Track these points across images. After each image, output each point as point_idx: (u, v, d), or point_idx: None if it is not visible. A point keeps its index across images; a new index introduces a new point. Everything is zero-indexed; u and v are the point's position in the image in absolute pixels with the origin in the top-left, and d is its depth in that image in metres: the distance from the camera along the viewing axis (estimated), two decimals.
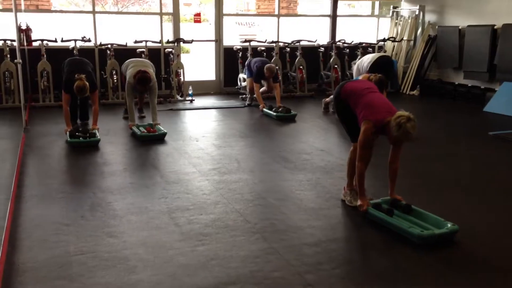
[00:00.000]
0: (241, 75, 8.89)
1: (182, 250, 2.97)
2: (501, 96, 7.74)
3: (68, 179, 4.43)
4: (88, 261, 2.82)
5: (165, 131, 5.78)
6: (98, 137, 5.42)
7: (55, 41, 7.63)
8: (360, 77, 6.30)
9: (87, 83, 5.40)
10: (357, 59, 8.28)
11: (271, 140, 5.91)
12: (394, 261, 2.94)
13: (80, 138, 5.34)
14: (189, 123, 6.86)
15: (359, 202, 3.48)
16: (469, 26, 8.63)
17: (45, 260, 2.83)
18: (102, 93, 7.93)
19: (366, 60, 7.68)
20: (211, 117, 7.22)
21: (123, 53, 7.92)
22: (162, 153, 5.17)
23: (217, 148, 5.42)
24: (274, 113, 6.96)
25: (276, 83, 7.56)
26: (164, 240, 3.12)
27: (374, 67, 7.44)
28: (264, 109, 7.25)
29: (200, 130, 6.29)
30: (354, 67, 8.05)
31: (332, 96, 6.73)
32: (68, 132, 5.47)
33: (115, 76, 7.90)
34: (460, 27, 8.84)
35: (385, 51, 9.66)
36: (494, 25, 8.16)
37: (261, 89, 7.69)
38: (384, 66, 7.63)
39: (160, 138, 5.67)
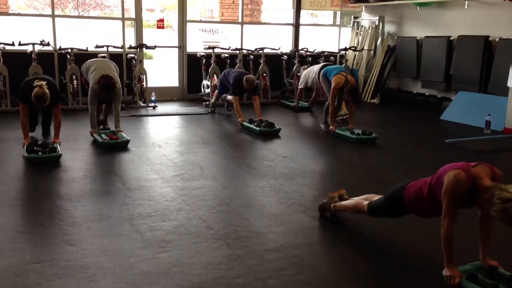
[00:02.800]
0: (205, 82, 8.88)
1: (143, 258, 2.93)
2: (457, 105, 8.03)
3: (25, 185, 4.29)
4: (45, 270, 2.74)
5: (128, 138, 5.63)
6: (60, 152, 4.97)
7: (13, 44, 7.40)
8: (333, 80, 6.37)
9: (48, 91, 4.84)
10: (301, 70, 8.56)
11: (234, 147, 5.92)
12: (357, 266, 2.99)
13: (39, 153, 4.86)
14: (151, 129, 6.79)
15: (448, 273, 2.67)
16: (426, 37, 8.93)
17: (1, 268, 2.72)
18: (62, 99, 7.74)
19: (313, 70, 7.83)
20: (174, 123, 7.16)
21: (84, 58, 7.76)
22: (124, 160, 5.09)
23: (180, 155, 5.38)
24: (257, 128, 6.48)
25: (255, 95, 7.09)
26: (125, 248, 3.06)
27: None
28: (244, 123, 6.78)
29: (163, 137, 6.23)
30: (301, 77, 8.21)
31: (324, 110, 6.75)
32: (25, 146, 4.97)
33: (75, 81, 7.74)
34: (418, 38, 9.13)
35: (346, 60, 9.87)
36: (450, 37, 8.47)
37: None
38: None
39: (122, 146, 5.50)
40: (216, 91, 7.88)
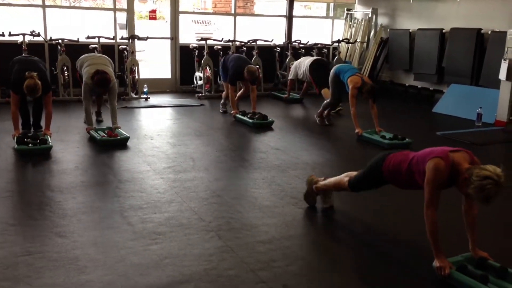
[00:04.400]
0: (197, 74, 8.83)
1: (134, 249, 2.92)
2: (449, 98, 8.06)
3: (15, 177, 4.26)
4: (35, 262, 2.72)
5: (127, 135, 5.39)
6: (50, 143, 4.90)
7: (2, 35, 7.31)
8: (350, 81, 5.94)
9: (39, 82, 4.82)
10: (288, 59, 8.55)
11: (226, 139, 5.90)
12: (347, 256, 3.00)
13: (30, 145, 4.80)
14: (143, 121, 6.75)
15: (438, 263, 2.67)
16: (419, 29, 8.94)
17: None
18: (53, 90, 7.66)
19: (303, 63, 7.91)
20: (166, 115, 7.13)
21: (75, 48, 7.70)
22: (115, 151, 5.06)
23: (172, 147, 5.36)
24: (251, 121, 6.38)
25: (253, 86, 6.81)
26: (116, 240, 3.05)
27: (313, 67, 7.80)
28: (237, 115, 6.68)
29: (155, 128, 6.20)
30: (291, 68, 8.26)
31: (323, 104, 6.58)
32: (16, 138, 4.91)
33: (66, 72, 7.68)
34: (410, 30, 9.14)
35: (339, 53, 9.86)
36: (443, 29, 8.48)
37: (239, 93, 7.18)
38: (322, 66, 8.04)
39: (122, 143, 5.26)
40: (224, 93, 7.30)
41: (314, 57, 8.20)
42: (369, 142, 5.80)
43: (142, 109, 7.47)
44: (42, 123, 5.48)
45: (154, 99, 8.17)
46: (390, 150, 5.12)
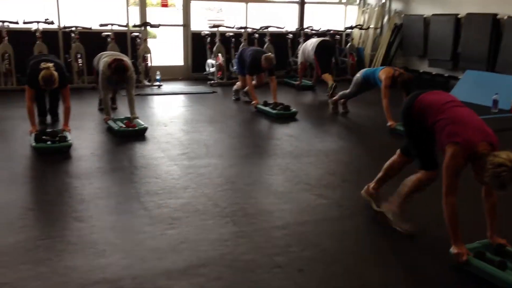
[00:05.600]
0: (209, 61, 8.83)
1: (151, 234, 2.96)
2: (464, 84, 7.96)
3: (33, 163, 4.32)
4: (55, 245, 2.78)
5: (146, 125, 5.28)
6: (70, 141, 4.60)
7: (17, 23, 7.37)
8: (382, 73, 5.67)
9: (56, 73, 4.60)
10: (300, 45, 8.48)
11: (240, 126, 5.91)
12: (362, 242, 3.02)
13: (48, 143, 4.55)
14: (157, 108, 6.79)
15: (455, 250, 2.65)
16: (433, 15, 8.82)
17: (11, 244, 2.77)
18: (70, 81, 7.72)
19: (310, 44, 7.96)
20: (179, 102, 7.16)
21: (88, 36, 7.74)
22: (130, 138, 5.09)
23: (186, 133, 5.39)
24: (274, 111, 6.20)
25: (272, 76, 6.67)
26: (133, 224, 3.10)
27: (318, 50, 7.77)
28: (259, 106, 6.46)
29: (168, 115, 6.23)
30: (299, 52, 8.26)
31: (340, 93, 6.50)
32: (33, 135, 4.65)
33: (80, 60, 7.72)
34: (425, 16, 9.02)
35: (352, 39, 9.78)
36: (458, 14, 8.36)
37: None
38: (327, 49, 8.01)
39: (140, 134, 5.16)
40: (238, 83, 7.23)
41: (321, 38, 8.12)
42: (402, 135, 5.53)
43: (155, 97, 7.50)
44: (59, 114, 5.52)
45: (166, 87, 8.19)
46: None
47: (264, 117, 6.27)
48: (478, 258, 2.63)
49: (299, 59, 8.37)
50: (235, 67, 8.77)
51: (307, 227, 3.15)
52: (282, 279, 2.54)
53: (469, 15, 8.12)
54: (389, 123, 5.58)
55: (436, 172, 2.97)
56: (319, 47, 7.80)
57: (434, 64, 8.93)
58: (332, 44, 8.35)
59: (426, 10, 9.07)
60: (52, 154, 4.45)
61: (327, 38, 8.39)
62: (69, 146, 4.54)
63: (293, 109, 6.30)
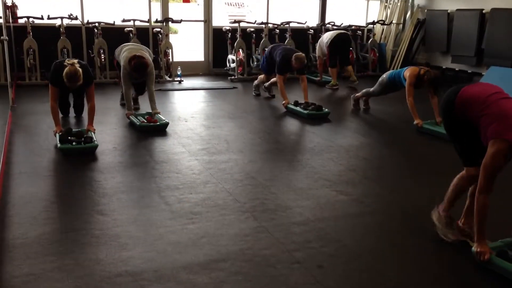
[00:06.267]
0: (230, 56, 8.84)
1: (172, 228, 3.00)
2: (488, 80, 7.78)
3: (56, 157, 4.39)
4: (79, 238, 2.83)
5: (167, 121, 5.31)
6: (96, 142, 4.48)
7: (42, 18, 7.49)
8: (407, 71, 5.56)
9: (80, 69, 4.50)
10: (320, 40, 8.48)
11: (260, 122, 5.91)
12: (384, 239, 3.00)
13: (73, 143, 4.42)
14: (177, 103, 6.83)
15: (478, 249, 2.63)
16: (457, 10, 8.67)
17: (36, 236, 2.83)
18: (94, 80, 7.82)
19: (326, 36, 7.98)
20: (200, 98, 7.19)
21: (111, 31, 7.82)
22: (151, 133, 5.15)
23: (206, 129, 5.42)
24: (305, 112, 5.97)
25: (302, 75, 6.47)
26: (155, 218, 3.14)
27: (333, 42, 7.83)
28: (289, 105, 6.25)
29: (189, 111, 6.27)
30: (317, 46, 8.24)
31: (364, 91, 6.45)
32: (58, 135, 4.54)
33: (102, 55, 7.82)
34: (448, 11, 8.87)
35: (374, 34, 9.68)
36: (483, 9, 8.20)
37: (269, 81, 6.97)
38: (342, 42, 8.04)
39: (161, 129, 5.18)
40: (261, 76, 7.16)
41: (338, 32, 8.14)
42: (430, 134, 5.29)
43: (176, 92, 7.56)
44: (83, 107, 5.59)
45: (187, 82, 8.24)
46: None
47: (285, 113, 6.26)
48: (501, 257, 2.60)
49: (317, 53, 8.35)
50: (255, 63, 8.80)
51: (327, 223, 3.15)
52: (301, 274, 2.55)
53: (494, 10, 7.96)
54: (416, 122, 5.47)
55: (477, 169, 2.75)
56: (335, 39, 7.86)
57: (457, 60, 8.78)
58: (348, 37, 8.27)
59: (450, 5, 8.92)
60: (77, 155, 4.35)
61: (343, 31, 8.35)
62: (95, 147, 4.42)
63: (326, 109, 6.07)
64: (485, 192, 2.58)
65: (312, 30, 9.38)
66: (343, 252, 2.81)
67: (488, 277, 2.58)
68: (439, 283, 2.56)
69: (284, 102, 6.32)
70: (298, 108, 6.13)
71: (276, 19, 9.27)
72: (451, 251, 2.82)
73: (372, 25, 9.74)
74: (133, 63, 5.27)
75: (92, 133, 4.71)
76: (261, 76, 7.13)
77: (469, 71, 8.56)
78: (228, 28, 8.86)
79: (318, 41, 8.38)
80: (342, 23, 9.47)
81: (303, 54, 6.56)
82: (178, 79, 8.24)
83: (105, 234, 2.89)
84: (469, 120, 2.71)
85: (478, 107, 2.64)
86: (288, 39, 8.88)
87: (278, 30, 8.97)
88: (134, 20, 7.99)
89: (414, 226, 3.16)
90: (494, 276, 2.57)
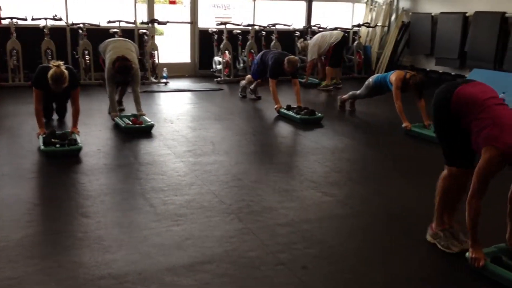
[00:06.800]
0: (216, 58, 8.84)
1: (157, 230, 2.98)
2: None
3: (40, 159, 4.34)
4: (62, 241, 2.81)
5: (153, 122, 5.30)
6: (80, 144, 4.43)
7: (25, 19, 7.41)
8: (393, 75, 5.63)
9: (66, 72, 4.37)
10: (298, 43, 8.61)
11: (246, 123, 5.92)
12: (369, 241, 3.02)
13: (57, 146, 4.35)
14: (163, 105, 6.81)
15: (472, 254, 2.58)
16: (441, 13, 8.77)
17: (18, 239, 2.79)
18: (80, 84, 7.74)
19: (328, 37, 8.23)
20: (186, 99, 7.18)
21: (96, 33, 7.77)
22: (137, 135, 5.12)
23: (192, 130, 5.40)
24: (298, 116, 5.88)
25: (295, 79, 6.39)
26: (139, 221, 3.12)
27: (338, 45, 8.09)
28: (282, 110, 6.17)
29: (175, 112, 6.25)
30: (310, 48, 8.29)
31: (350, 93, 6.48)
32: (41, 137, 4.47)
33: (87, 56, 7.75)
34: (432, 14, 8.97)
35: (359, 37, 9.75)
36: (466, 13, 8.31)
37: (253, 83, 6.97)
38: (343, 44, 8.35)
39: (146, 131, 5.17)
40: (248, 76, 7.15)
41: (342, 32, 8.33)
42: (420, 137, 5.31)
43: (161, 93, 7.53)
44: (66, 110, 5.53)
45: (173, 83, 8.22)
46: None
47: (272, 115, 6.26)
48: (495, 263, 2.57)
49: (310, 55, 8.34)
50: (242, 65, 8.80)
51: (312, 225, 3.16)
52: (285, 276, 2.55)
53: (477, 13, 8.07)
54: (404, 125, 5.50)
55: (465, 170, 2.76)
56: (341, 43, 8.11)
57: (441, 62, 8.88)
58: (347, 41, 8.77)
59: (434, 8, 9.02)
60: (61, 157, 4.28)
61: (346, 35, 8.63)
62: (79, 149, 4.37)
63: (319, 114, 5.99)
64: (477, 197, 2.54)
65: (298, 32, 9.41)
66: (327, 253, 2.82)
67: (477, 279, 2.60)
68: (426, 285, 2.58)
69: (276, 106, 6.24)
70: (290, 113, 6.05)
71: (262, 21, 9.29)
72: (438, 253, 2.84)
73: (357, 28, 9.81)
74: (117, 66, 5.23)
75: (76, 135, 4.65)
76: (249, 76, 7.13)
77: (452, 74, 8.66)
78: (214, 29, 8.85)
79: (311, 42, 8.38)
80: (328, 26, 9.52)
81: (296, 57, 6.56)
82: (164, 80, 8.21)
83: (89, 237, 2.86)
84: (461, 119, 2.66)
85: (474, 108, 2.58)
86: (274, 41, 8.91)
87: (264, 32, 8.99)
88: (119, 22, 7.95)
89: (400, 227, 3.18)
90: (482, 278, 2.59)
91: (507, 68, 7.59)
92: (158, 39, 9.06)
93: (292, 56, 6.44)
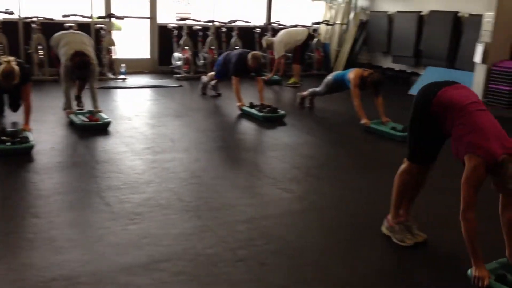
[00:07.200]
0: (176, 54, 8.73)
1: (112, 229, 2.91)
2: (425, 80, 8.00)
3: None
4: (11, 242, 2.70)
5: (109, 119, 5.15)
6: (32, 142, 4.25)
7: None
8: (351, 73, 5.72)
9: (17, 68, 4.26)
10: (263, 41, 8.65)
11: (206, 120, 5.87)
12: (327, 235, 3.04)
13: (7, 144, 4.17)
14: (121, 102, 6.67)
15: (476, 273, 2.41)
16: (398, 12, 8.97)
17: None
18: (31, 78, 7.46)
19: (295, 34, 8.36)
20: (144, 96, 7.05)
21: (50, 27, 7.51)
22: (93, 132, 4.98)
23: (151, 127, 5.31)
24: (260, 114, 5.82)
25: (259, 77, 6.38)
26: (94, 220, 3.03)
27: (306, 41, 8.26)
28: (244, 108, 6.10)
29: (133, 109, 6.13)
30: (278, 43, 8.32)
31: (310, 90, 6.54)
32: None
33: (41, 51, 7.49)
34: (389, 13, 9.17)
35: (319, 34, 9.85)
36: (421, 12, 8.53)
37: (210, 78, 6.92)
38: (309, 42, 8.52)
39: (103, 128, 5.02)
40: (211, 73, 7.11)
41: (307, 31, 8.43)
42: (377, 134, 5.41)
43: (119, 90, 7.37)
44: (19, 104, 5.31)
45: (132, 80, 8.05)
46: (403, 142, 4.74)
47: (232, 111, 6.24)
48: (500, 281, 2.40)
49: (277, 53, 8.33)
50: (202, 61, 8.73)
51: (270, 221, 3.16)
52: (244, 272, 2.54)
53: (432, 12, 8.30)
54: (363, 121, 5.56)
55: (425, 167, 2.82)
56: (308, 37, 8.30)
57: (397, 60, 9.09)
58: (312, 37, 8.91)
59: (391, 7, 9.22)
60: (12, 156, 4.11)
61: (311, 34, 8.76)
62: (31, 147, 4.20)
63: (282, 112, 5.96)
64: (470, 208, 2.40)
65: (258, 29, 9.41)
66: (286, 249, 2.83)
67: (432, 271, 2.66)
68: (383, 277, 2.62)
69: (239, 104, 6.18)
70: (253, 111, 6.00)
71: (223, 17, 9.24)
72: (394, 247, 2.89)
73: (317, 25, 9.90)
74: (76, 61, 5.08)
75: (28, 132, 4.48)
76: (211, 73, 7.06)
77: (408, 71, 8.89)
78: (174, 25, 8.73)
79: (277, 39, 8.36)
80: (287, 23, 9.56)
81: (259, 53, 6.51)
82: (122, 76, 8.04)
83: (40, 237, 2.76)
84: (439, 121, 2.62)
85: (455, 113, 2.53)
86: (234, 37, 8.88)
87: (225, 29, 8.95)
88: (74, 16, 7.72)
89: (357, 221, 3.23)
90: (438, 270, 2.66)
91: (459, 66, 7.85)
92: (115, 34, 8.85)
93: (256, 52, 6.42)
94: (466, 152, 2.44)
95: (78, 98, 5.86)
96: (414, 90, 8.06)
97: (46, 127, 5.05)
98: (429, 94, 2.67)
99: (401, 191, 2.90)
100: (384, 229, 3.00)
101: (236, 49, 7.44)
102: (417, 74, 8.55)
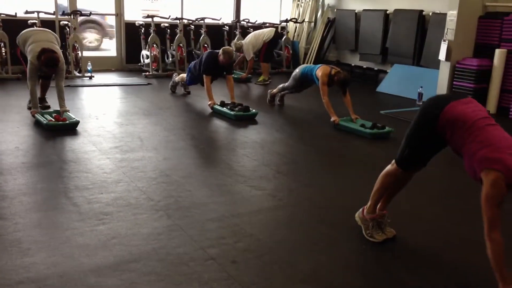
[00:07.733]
0: (144, 52, 8.63)
1: (80, 230, 2.86)
2: (392, 78, 8.31)
3: None
4: None
5: (77, 119, 5.06)
6: None
7: None
8: (319, 70, 5.74)
9: None
10: (232, 44, 8.63)
11: (175, 118, 5.83)
12: (296, 231, 3.08)
13: None
14: (88, 100, 6.55)
15: None
16: (364, 10, 9.11)
17: None
18: None
19: (262, 34, 8.48)
20: (112, 94, 6.95)
21: (13, 24, 7.31)
22: (59, 132, 4.88)
23: (119, 126, 5.24)
24: (232, 113, 5.79)
25: (229, 75, 6.32)
26: (61, 221, 2.98)
27: (272, 40, 8.42)
28: (215, 106, 6.06)
29: (101, 108, 6.03)
30: (247, 45, 8.36)
31: (280, 86, 6.55)
32: None
33: (3, 49, 7.29)
34: (356, 11, 9.30)
35: (287, 32, 9.90)
36: (387, 10, 8.69)
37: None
38: (276, 40, 8.74)
39: (71, 128, 4.94)
40: (183, 75, 7.01)
41: (274, 30, 8.57)
42: (347, 131, 5.46)
43: (86, 88, 7.24)
44: None
45: (98, 78, 7.92)
46: (372, 139, 5.03)
47: (201, 109, 6.21)
48: None
49: (248, 56, 8.43)
50: (170, 59, 8.65)
51: (241, 219, 3.17)
52: (215, 271, 2.54)
53: (397, 11, 8.47)
54: (332, 119, 5.61)
55: (406, 173, 2.82)
56: (275, 37, 8.45)
57: (364, 58, 9.24)
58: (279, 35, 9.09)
59: (357, 5, 9.35)
60: None
61: (278, 33, 8.87)
62: None
63: (253, 110, 5.94)
64: (494, 227, 2.24)
65: (227, 27, 9.40)
66: (256, 246, 2.84)
67: (397, 264, 2.73)
68: (349, 271, 2.66)
69: (210, 102, 6.12)
70: (224, 109, 5.96)
71: (191, 14, 9.18)
72: (362, 242, 2.94)
73: (285, 23, 9.96)
74: (43, 58, 4.96)
75: None
76: (183, 75, 7.00)
77: (375, 69, 9.04)
78: (141, 22, 8.63)
79: (245, 42, 8.42)
80: (256, 20, 9.59)
81: (231, 48, 6.52)
82: (89, 74, 7.90)
83: (5, 240, 2.69)
84: (446, 137, 2.54)
85: (464, 131, 2.43)
86: (203, 35, 8.84)
87: (193, 26, 8.89)
88: (38, 12, 7.53)
89: (326, 218, 3.27)
90: (402, 263, 2.73)
91: (424, 64, 8.04)
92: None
93: (228, 47, 6.42)
94: (482, 168, 2.31)
95: (43, 99, 5.71)
96: (382, 88, 8.22)
97: (10, 127, 4.92)
98: (436, 109, 2.56)
99: (382, 190, 2.92)
100: (357, 217, 3.04)
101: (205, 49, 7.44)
102: (385, 72, 8.71)
